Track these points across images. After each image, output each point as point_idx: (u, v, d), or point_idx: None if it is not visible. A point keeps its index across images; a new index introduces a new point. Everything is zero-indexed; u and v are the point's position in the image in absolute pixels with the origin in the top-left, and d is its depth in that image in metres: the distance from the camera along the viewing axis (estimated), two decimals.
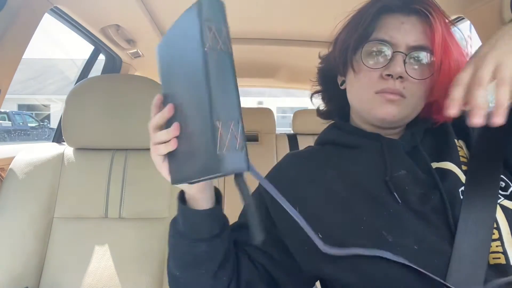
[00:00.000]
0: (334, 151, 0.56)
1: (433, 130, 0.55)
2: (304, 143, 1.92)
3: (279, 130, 2.18)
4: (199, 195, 0.45)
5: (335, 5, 1.12)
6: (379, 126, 0.54)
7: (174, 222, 0.49)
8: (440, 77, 0.48)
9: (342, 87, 0.59)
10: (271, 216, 0.53)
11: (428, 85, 0.50)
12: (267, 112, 2.08)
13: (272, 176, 0.59)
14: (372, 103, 0.51)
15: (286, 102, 14.84)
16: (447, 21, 0.50)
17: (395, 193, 0.47)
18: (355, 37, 0.52)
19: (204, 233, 0.46)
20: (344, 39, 0.54)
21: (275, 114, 2.12)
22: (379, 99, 0.50)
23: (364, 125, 0.56)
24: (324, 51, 0.63)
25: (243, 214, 0.57)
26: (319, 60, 0.64)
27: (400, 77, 0.48)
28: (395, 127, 0.54)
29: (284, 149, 1.94)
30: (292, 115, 2.10)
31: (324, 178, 0.52)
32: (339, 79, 0.60)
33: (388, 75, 0.49)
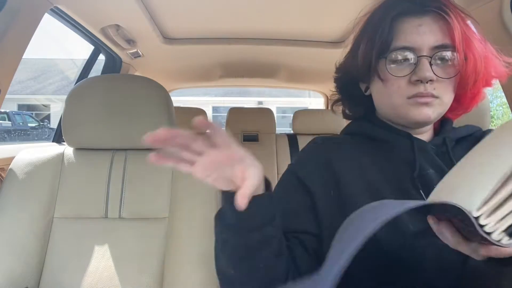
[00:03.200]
0: (366, 141, 0.57)
1: (466, 141, 0.56)
2: (304, 143, 1.91)
3: (279, 130, 2.18)
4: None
5: (335, 6, 1.12)
6: (411, 127, 0.55)
7: (220, 217, 0.46)
8: (467, 72, 0.49)
9: (366, 93, 0.59)
10: (312, 194, 0.53)
11: (458, 80, 0.51)
12: (267, 112, 2.08)
13: (308, 151, 0.59)
14: (406, 108, 0.51)
15: (286, 102, 14.87)
16: (463, 15, 0.51)
17: (421, 190, 0.48)
18: (377, 49, 0.52)
19: (256, 221, 0.44)
20: (365, 51, 0.54)
21: (275, 114, 2.12)
22: (413, 104, 0.50)
23: (392, 124, 0.57)
24: (329, 54, 0.64)
25: (285, 200, 0.55)
26: (335, 69, 0.64)
27: (430, 80, 0.49)
28: (425, 126, 0.55)
29: (284, 149, 1.94)
30: (292, 115, 2.10)
31: (358, 161, 0.53)
32: (362, 86, 0.60)
33: (417, 80, 0.49)
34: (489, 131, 0.58)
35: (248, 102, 11.83)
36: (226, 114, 2.10)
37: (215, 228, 0.47)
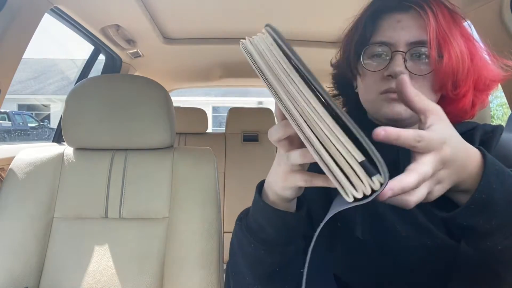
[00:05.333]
0: None
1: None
2: None
3: None
4: (294, 197, 0.42)
5: (335, 6, 1.12)
6: (392, 124, 0.54)
7: (252, 234, 0.44)
8: (442, 70, 0.47)
9: (356, 90, 0.59)
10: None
11: (435, 78, 0.49)
12: (267, 112, 2.08)
13: None
14: (378, 104, 0.51)
15: None
16: (446, 12, 0.49)
17: None
18: (355, 43, 0.52)
19: (299, 234, 0.45)
20: (345, 46, 0.55)
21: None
22: (384, 99, 0.50)
23: (378, 123, 0.56)
24: (329, 54, 0.64)
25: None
26: (330, 66, 0.64)
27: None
28: (410, 124, 0.52)
29: None
30: None
31: None
32: (354, 83, 0.60)
33: (389, 75, 0.49)
34: (488, 125, 0.57)
35: (248, 102, 11.82)
36: (226, 114, 2.10)
37: (243, 248, 0.45)
